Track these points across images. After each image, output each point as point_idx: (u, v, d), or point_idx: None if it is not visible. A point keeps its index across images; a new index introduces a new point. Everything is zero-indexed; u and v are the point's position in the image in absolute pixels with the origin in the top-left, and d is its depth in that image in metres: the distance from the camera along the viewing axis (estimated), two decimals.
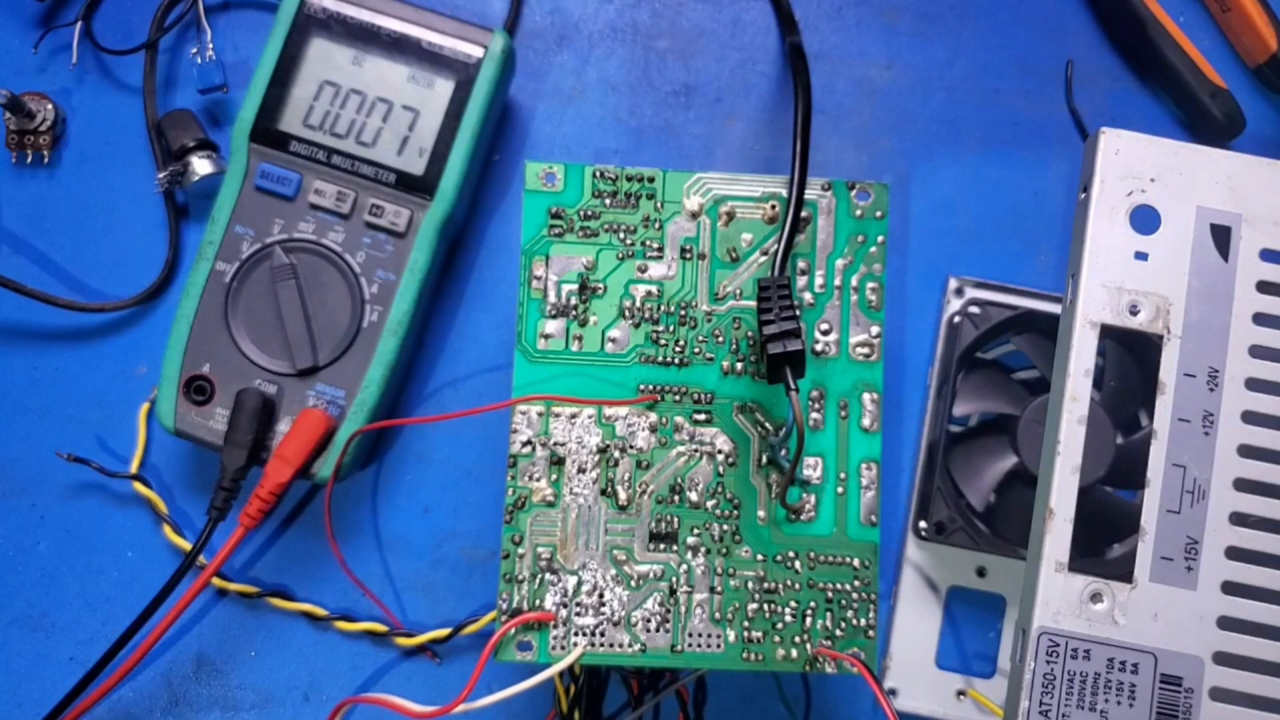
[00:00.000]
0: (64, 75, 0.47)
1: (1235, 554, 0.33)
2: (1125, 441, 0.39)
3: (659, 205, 0.39)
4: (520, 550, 0.37)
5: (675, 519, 0.38)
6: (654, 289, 0.39)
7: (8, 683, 0.44)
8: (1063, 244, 0.47)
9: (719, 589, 0.37)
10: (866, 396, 0.38)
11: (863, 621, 0.37)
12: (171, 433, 0.41)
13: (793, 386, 0.35)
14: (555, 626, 0.37)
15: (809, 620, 0.37)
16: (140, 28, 0.47)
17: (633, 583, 0.37)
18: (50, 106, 0.46)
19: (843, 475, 0.38)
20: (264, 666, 0.44)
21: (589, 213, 0.39)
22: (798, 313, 0.36)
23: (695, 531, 0.37)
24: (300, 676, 0.44)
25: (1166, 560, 0.33)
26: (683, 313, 0.39)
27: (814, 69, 0.43)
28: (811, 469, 0.38)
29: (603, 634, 0.37)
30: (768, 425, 0.38)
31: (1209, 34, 0.49)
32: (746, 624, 0.37)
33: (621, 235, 0.39)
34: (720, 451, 0.38)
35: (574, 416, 0.38)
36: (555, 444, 0.38)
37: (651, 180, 0.39)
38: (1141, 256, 0.35)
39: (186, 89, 0.47)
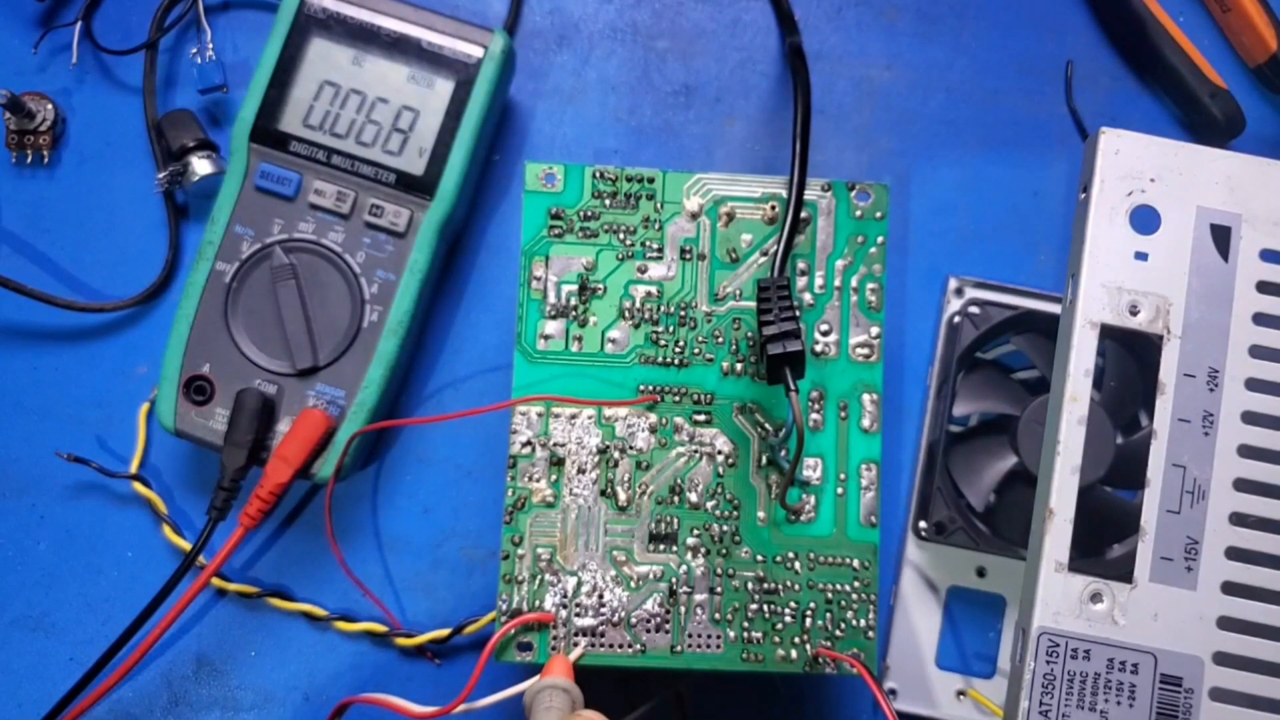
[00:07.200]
0: (64, 75, 0.47)
1: (1235, 554, 0.33)
2: (1125, 441, 0.39)
3: (659, 206, 0.39)
4: (520, 551, 0.37)
5: (675, 520, 0.38)
6: (654, 289, 0.39)
7: (8, 683, 0.44)
8: (1063, 244, 0.47)
9: (719, 590, 0.37)
10: (866, 397, 0.38)
11: (862, 622, 0.37)
12: (171, 433, 0.41)
13: (792, 387, 0.35)
14: (555, 627, 0.37)
15: (809, 621, 0.37)
16: (140, 28, 0.47)
17: (632, 583, 0.37)
18: (50, 106, 0.46)
19: (842, 476, 0.38)
20: (264, 666, 0.44)
21: (589, 213, 0.39)
22: (797, 313, 0.36)
23: (695, 532, 0.37)
24: (300, 676, 0.44)
25: (1166, 560, 0.33)
26: (682, 313, 0.39)
27: (814, 69, 0.43)
28: (811, 470, 0.38)
29: (602, 635, 0.37)
30: (768, 426, 0.38)
31: (1209, 34, 0.49)
32: (746, 625, 0.37)
33: (621, 236, 0.39)
34: (720, 452, 0.38)
35: (574, 417, 0.38)
36: (555, 445, 0.38)
37: (651, 181, 0.39)
38: (1141, 256, 0.35)
39: (186, 89, 0.47)
